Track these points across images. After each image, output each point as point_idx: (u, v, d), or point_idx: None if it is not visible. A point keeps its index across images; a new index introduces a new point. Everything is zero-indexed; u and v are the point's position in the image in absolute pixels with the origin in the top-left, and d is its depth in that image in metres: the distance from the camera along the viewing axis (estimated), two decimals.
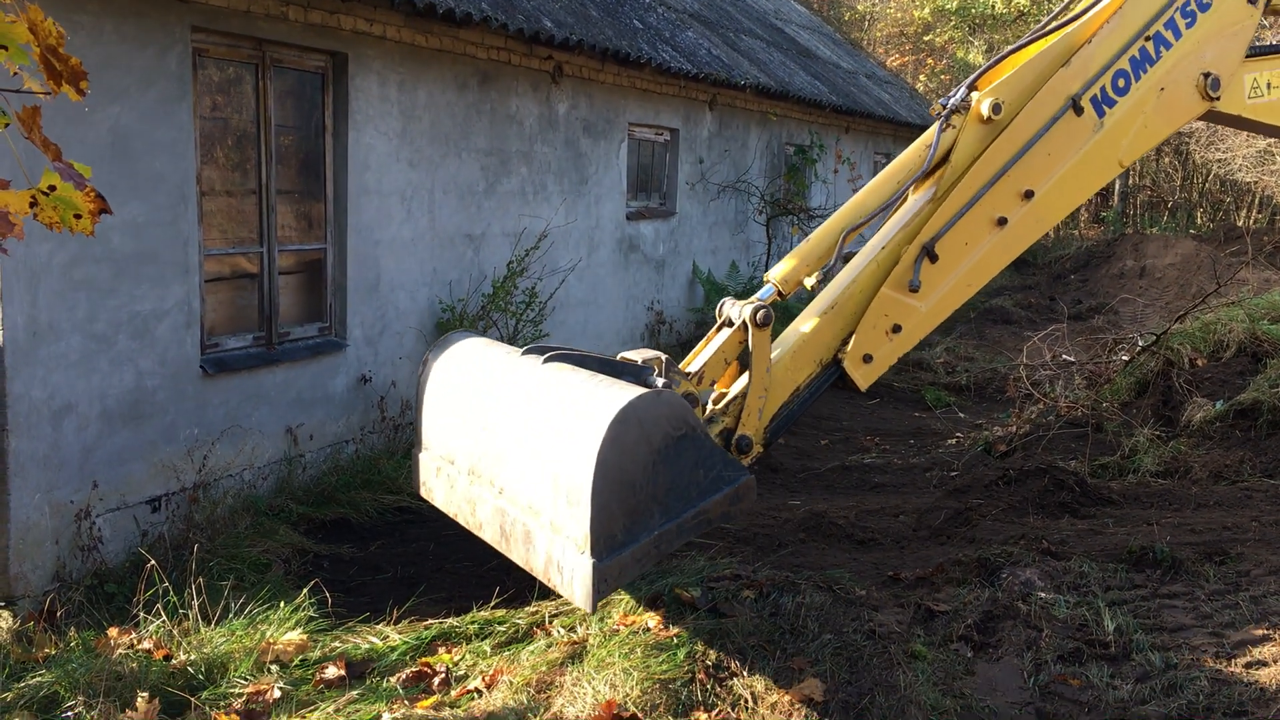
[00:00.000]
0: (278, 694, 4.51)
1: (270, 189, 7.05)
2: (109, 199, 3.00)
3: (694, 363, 4.78)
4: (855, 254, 5.29)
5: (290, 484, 7.17)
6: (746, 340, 4.70)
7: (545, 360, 4.27)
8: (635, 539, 3.77)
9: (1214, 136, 23.13)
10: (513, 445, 4.23)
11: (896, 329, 5.11)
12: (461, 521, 4.74)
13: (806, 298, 5.08)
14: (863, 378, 5.10)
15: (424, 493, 5.15)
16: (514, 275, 9.04)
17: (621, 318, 11.78)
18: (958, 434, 10.01)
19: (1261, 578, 5.32)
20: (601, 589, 3.71)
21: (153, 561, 5.25)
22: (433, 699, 4.46)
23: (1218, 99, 5.71)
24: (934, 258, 5.11)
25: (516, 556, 4.23)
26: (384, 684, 4.64)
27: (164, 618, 4.96)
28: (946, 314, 5.29)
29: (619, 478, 3.67)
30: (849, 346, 5.04)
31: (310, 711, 4.40)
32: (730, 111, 13.71)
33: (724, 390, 4.81)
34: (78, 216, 2.92)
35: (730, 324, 4.77)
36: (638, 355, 4.59)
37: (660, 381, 4.35)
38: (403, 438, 8.28)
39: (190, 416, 6.45)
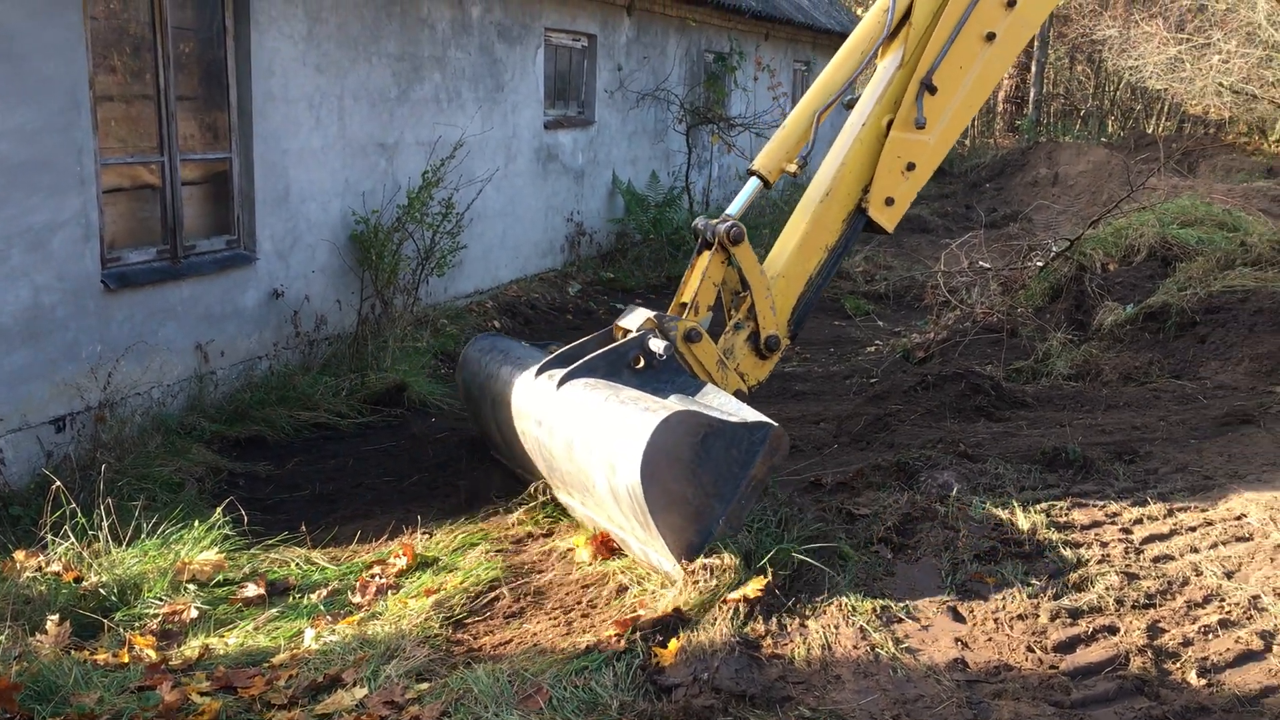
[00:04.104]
0: (195, 613, 4.43)
1: (169, 95, 6.72)
2: None
3: (687, 294, 5.12)
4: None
5: (202, 401, 6.98)
6: (729, 258, 5.02)
7: (559, 386, 4.75)
8: (709, 531, 4.32)
9: (1126, 44, 23.34)
10: (572, 474, 4.74)
11: (911, 167, 5.43)
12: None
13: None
14: (888, 220, 5.48)
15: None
16: (430, 185, 8.81)
17: (541, 229, 11.61)
18: (877, 341, 10.11)
19: (1169, 475, 5.46)
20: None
21: (58, 483, 5.07)
22: (357, 616, 4.41)
23: None
24: (933, 90, 5.37)
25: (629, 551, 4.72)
26: (305, 600, 4.58)
27: (72, 540, 4.81)
28: (953, 141, 5.60)
29: (672, 502, 4.19)
30: (870, 194, 5.38)
31: (229, 630, 4.33)
32: (649, 17, 13.44)
33: (745, 295, 5.21)
34: None
35: (709, 244, 5.07)
36: (631, 322, 4.97)
37: (660, 345, 4.79)
38: (318, 353, 8.10)
39: (93, 333, 6.21)
